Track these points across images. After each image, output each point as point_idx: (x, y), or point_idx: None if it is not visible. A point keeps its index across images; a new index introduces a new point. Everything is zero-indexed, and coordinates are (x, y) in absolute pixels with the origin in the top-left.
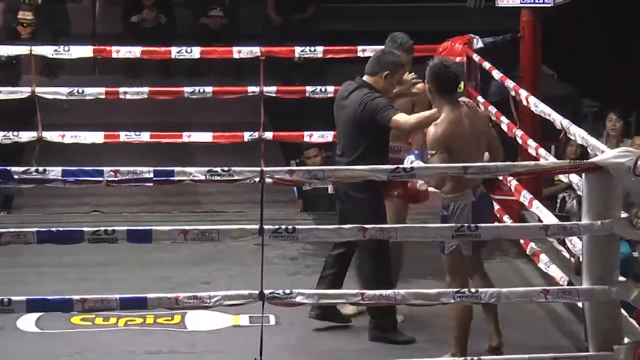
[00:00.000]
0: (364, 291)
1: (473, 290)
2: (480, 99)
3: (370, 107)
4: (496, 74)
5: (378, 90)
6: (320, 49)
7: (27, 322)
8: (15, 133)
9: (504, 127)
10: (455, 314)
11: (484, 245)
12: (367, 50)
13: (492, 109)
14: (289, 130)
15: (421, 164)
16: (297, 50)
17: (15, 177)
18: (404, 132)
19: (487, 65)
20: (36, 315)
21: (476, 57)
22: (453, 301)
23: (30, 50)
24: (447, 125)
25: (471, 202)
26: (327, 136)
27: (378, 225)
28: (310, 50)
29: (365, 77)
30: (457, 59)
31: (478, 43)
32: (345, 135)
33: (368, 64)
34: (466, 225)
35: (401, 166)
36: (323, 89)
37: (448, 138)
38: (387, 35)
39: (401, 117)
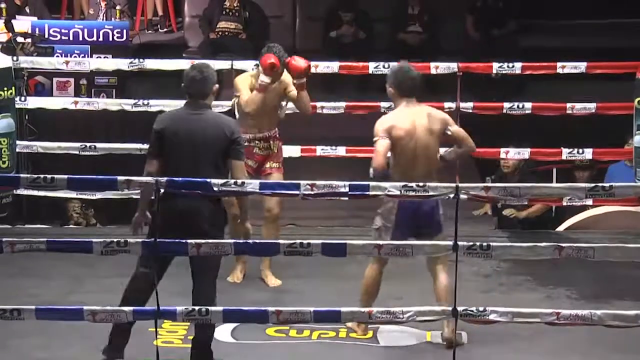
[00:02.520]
0: (560, 310)
1: None
2: None
3: (236, 139)
4: None
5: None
6: (518, 65)
7: (224, 332)
8: None
9: None
10: (364, 281)
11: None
12: (566, 67)
13: None
14: (485, 146)
15: None
16: (495, 66)
17: (215, 189)
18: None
19: None
20: (232, 325)
21: None
22: None
23: (232, 65)
24: (390, 116)
25: (399, 200)
26: (524, 153)
27: (575, 245)
28: (508, 67)
29: (201, 101)
30: None
31: None
32: (208, 167)
33: (195, 88)
34: None
35: (600, 184)
36: (521, 105)
37: (388, 127)
38: (586, 51)
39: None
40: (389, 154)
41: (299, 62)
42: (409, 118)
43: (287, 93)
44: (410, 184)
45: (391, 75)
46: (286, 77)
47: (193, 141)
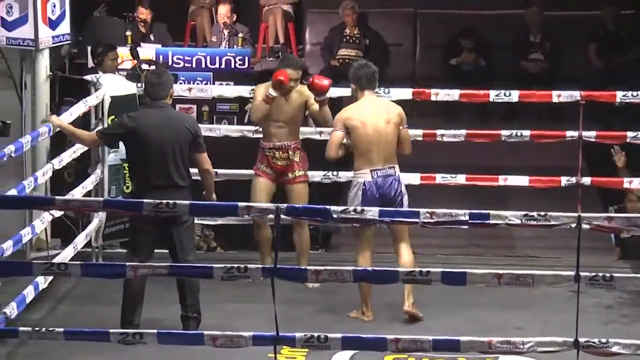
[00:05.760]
0: None
1: None
2: None
3: (198, 133)
4: None
5: None
6: None
7: (342, 359)
8: (335, 173)
9: None
10: None
11: None
12: None
13: None
14: (608, 175)
15: None
16: (619, 94)
17: (334, 216)
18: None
19: None
20: (351, 352)
21: None
22: None
23: (352, 92)
24: (349, 108)
25: (363, 183)
26: None
27: None
28: (632, 95)
29: (162, 102)
30: None
31: None
32: (177, 159)
33: (153, 91)
34: None
35: None
36: None
37: (344, 119)
38: None
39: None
40: (346, 140)
41: (322, 81)
42: (366, 109)
43: (308, 106)
44: (531, 214)
45: (351, 72)
46: (307, 90)
47: (161, 139)
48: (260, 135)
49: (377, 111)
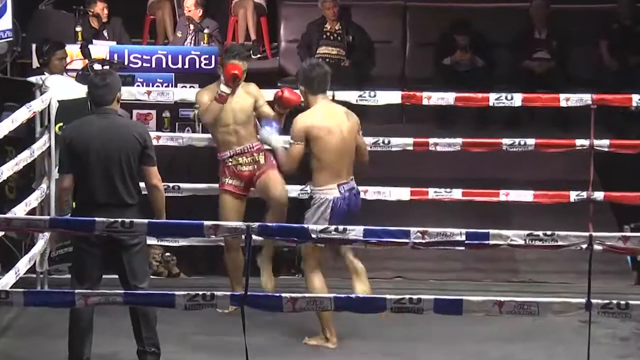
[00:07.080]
0: None
1: None
2: None
3: (148, 144)
4: None
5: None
6: None
7: None
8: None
9: None
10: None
11: None
12: None
13: None
14: (623, 190)
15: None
16: (635, 98)
17: (313, 235)
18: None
19: None
20: None
21: None
22: None
23: (333, 96)
24: (308, 116)
25: (332, 200)
26: None
27: None
28: None
29: (107, 107)
30: None
31: None
32: (125, 174)
33: (98, 95)
34: None
35: None
36: None
37: (304, 130)
38: None
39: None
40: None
41: (291, 96)
42: (327, 116)
43: (256, 107)
44: (536, 233)
45: (300, 74)
46: (255, 89)
47: (104, 150)
48: None
49: (339, 118)
